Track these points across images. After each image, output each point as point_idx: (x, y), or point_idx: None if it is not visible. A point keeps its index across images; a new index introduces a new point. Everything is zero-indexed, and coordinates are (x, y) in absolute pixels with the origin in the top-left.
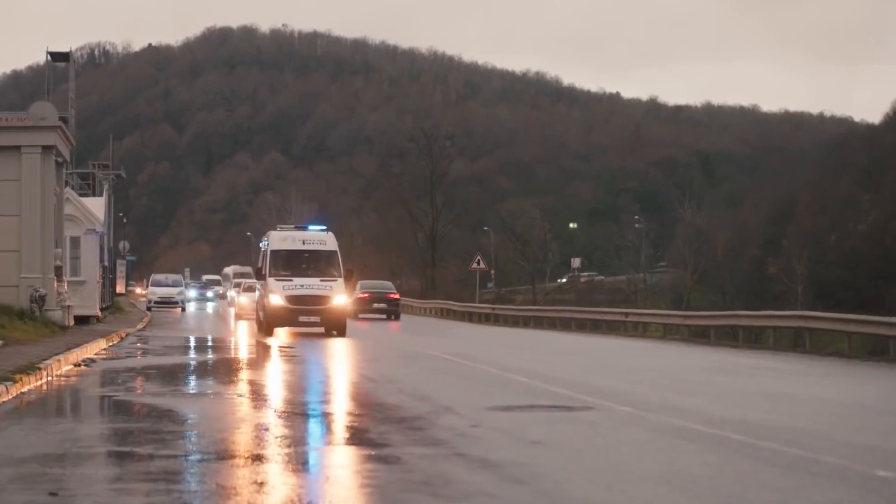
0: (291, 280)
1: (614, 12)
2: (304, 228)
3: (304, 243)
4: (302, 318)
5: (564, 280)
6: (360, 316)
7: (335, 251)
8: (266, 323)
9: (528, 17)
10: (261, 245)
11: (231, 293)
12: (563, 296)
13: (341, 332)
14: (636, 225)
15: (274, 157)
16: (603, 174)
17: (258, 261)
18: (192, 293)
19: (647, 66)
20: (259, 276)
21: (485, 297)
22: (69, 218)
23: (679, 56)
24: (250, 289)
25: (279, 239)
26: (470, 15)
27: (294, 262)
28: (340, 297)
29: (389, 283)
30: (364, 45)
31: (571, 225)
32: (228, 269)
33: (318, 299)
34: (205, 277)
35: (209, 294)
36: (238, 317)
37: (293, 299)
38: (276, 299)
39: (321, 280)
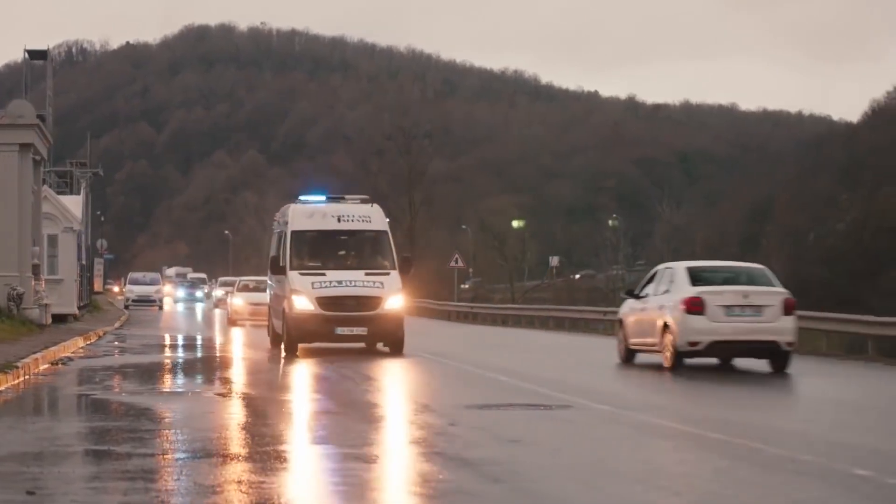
0: (324, 274)
1: (593, 11)
2: (339, 199)
3: (339, 220)
4: (341, 331)
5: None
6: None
7: (385, 231)
8: (287, 335)
9: (507, 16)
10: (274, 225)
11: (217, 292)
12: (541, 294)
13: (397, 348)
14: (610, 222)
15: (252, 156)
16: (581, 173)
17: (272, 246)
18: (180, 293)
19: (626, 65)
20: (275, 268)
21: (463, 296)
22: (46, 216)
23: (658, 55)
24: (247, 288)
25: (303, 214)
26: (448, 14)
27: (327, 249)
28: (396, 299)
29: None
30: (342, 42)
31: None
32: (171, 270)
33: (365, 302)
34: (190, 275)
35: (198, 294)
36: (231, 322)
37: (328, 302)
38: (303, 303)
39: (367, 274)
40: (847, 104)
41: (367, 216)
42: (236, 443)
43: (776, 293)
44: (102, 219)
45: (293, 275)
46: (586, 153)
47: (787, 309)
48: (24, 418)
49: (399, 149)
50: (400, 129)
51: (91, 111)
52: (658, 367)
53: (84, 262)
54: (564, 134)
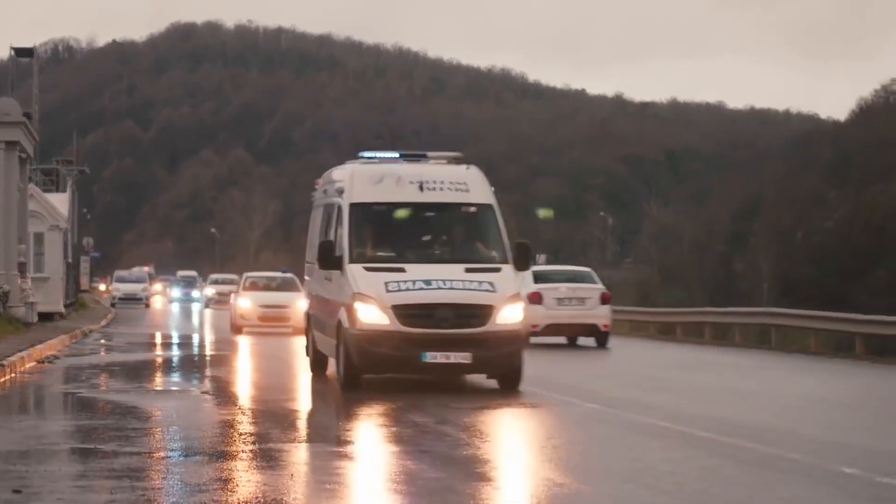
0: (403, 270)
1: (580, 10)
2: (419, 158)
3: (422, 189)
4: (431, 357)
5: None
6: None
7: (490, 205)
8: (345, 362)
9: (494, 14)
10: (314, 196)
11: (208, 291)
12: None
13: (511, 382)
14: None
15: (239, 154)
16: (569, 170)
17: (314, 228)
18: (175, 292)
19: (613, 63)
20: (326, 259)
21: None
22: (33, 214)
23: (645, 53)
24: (255, 286)
25: (368, 179)
26: (435, 12)
27: (405, 231)
28: (513, 309)
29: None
30: (329, 40)
31: (542, 213)
32: (135, 270)
33: (469, 313)
34: (180, 273)
35: (194, 294)
36: (236, 329)
37: (411, 313)
38: (371, 313)
39: (468, 269)
40: (834, 102)
41: (463, 183)
42: (222, 441)
43: (596, 289)
44: (89, 217)
45: (355, 270)
46: (574, 151)
47: (604, 300)
48: (11, 416)
49: (386, 147)
50: (387, 127)
51: (77, 109)
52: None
53: (70, 260)
54: (552, 132)
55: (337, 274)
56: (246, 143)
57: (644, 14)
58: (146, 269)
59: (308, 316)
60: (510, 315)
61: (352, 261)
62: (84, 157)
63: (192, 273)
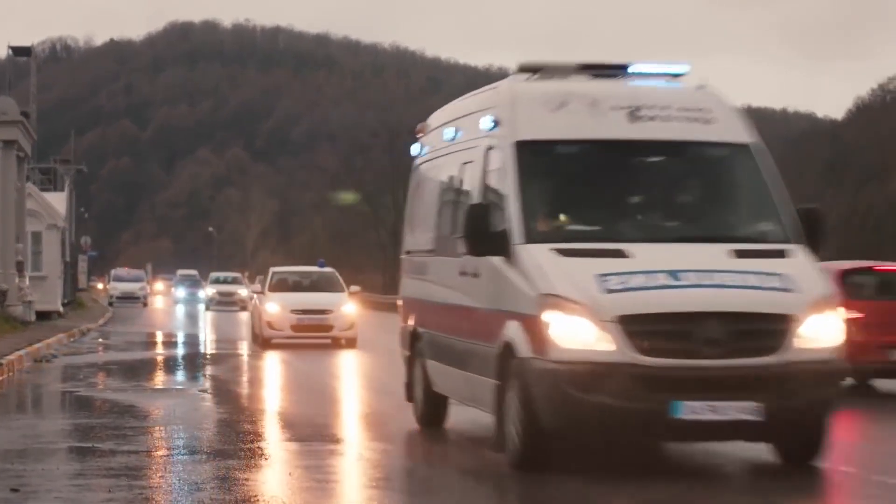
0: (621, 254)
1: (577, 9)
2: (615, 71)
3: (632, 117)
4: (691, 412)
5: None
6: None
7: (749, 146)
8: (523, 420)
9: (492, 14)
10: (422, 141)
11: (209, 290)
12: None
13: (812, 447)
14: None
15: (236, 153)
16: None
17: (439, 196)
18: (180, 292)
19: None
20: (478, 239)
21: None
22: (30, 213)
23: (642, 52)
24: (284, 285)
25: (543, 103)
26: (433, 11)
27: (613, 188)
28: (821, 323)
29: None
30: (326, 39)
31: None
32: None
33: (753, 332)
34: (180, 273)
35: (200, 294)
36: (264, 342)
37: (656, 332)
38: (579, 332)
39: (738, 253)
40: (832, 102)
41: (700, 108)
42: (220, 440)
43: None
44: (86, 216)
45: (540, 255)
46: None
47: None
48: (8, 415)
49: (383, 146)
50: (384, 126)
51: (75, 108)
52: None
53: (68, 258)
54: None
55: (496, 263)
56: (243, 143)
57: (641, 13)
58: (126, 269)
59: (413, 335)
60: (818, 333)
61: (529, 239)
62: (82, 157)
63: (193, 272)
